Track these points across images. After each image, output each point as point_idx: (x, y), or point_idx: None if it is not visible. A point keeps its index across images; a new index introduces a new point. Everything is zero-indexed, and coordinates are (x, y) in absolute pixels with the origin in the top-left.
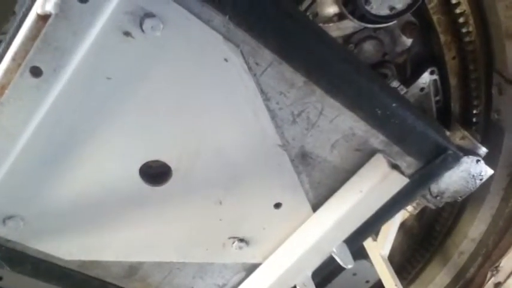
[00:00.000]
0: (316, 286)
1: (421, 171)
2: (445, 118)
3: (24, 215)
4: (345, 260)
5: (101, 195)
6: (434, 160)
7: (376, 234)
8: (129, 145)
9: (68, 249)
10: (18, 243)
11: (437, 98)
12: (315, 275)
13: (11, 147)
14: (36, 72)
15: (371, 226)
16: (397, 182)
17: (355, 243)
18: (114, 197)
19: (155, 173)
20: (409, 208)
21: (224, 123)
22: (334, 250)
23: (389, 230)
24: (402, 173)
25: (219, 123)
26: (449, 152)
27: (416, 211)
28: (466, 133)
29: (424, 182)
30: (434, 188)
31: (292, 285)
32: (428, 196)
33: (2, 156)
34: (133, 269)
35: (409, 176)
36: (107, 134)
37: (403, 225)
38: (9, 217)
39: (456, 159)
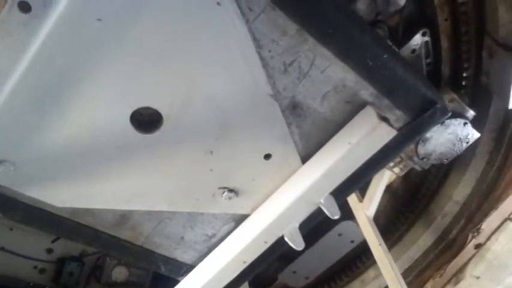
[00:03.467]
0: (303, 238)
1: (410, 124)
2: (435, 80)
3: (15, 160)
4: (331, 211)
5: (92, 141)
6: (422, 114)
7: (362, 195)
8: (119, 90)
9: (59, 196)
10: (9, 189)
11: (428, 60)
12: (302, 227)
13: (0, 88)
14: (24, 7)
15: (358, 179)
16: (386, 135)
17: (342, 195)
18: (106, 144)
19: (146, 121)
20: (396, 170)
21: (215, 71)
22: (322, 201)
23: (375, 191)
24: (391, 125)
25: (211, 70)
26: (438, 106)
27: (403, 173)
28: (455, 96)
29: (412, 135)
30: (421, 149)
31: (280, 235)
32: (415, 158)
33: None
34: (124, 218)
35: (398, 129)
36: (98, 78)
37: (389, 187)
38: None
39: (444, 114)
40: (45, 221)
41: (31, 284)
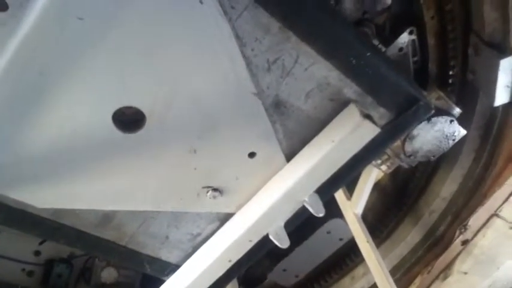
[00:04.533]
0: (289, 236)
1: (393, 122)
2: (422, 79)
3: None
4: (316, 209)
5: (74, 142)
6: (406, 111)
7: (350, 193)
8: (101, 89)
9: (41, 197)
10: None
11: (415, 58)
12: (288, 225)
13: None
14: (1, 5)
15: (343, 177)
16: (369, 132)
17: (327, 193)
18: (88, 144)
19: (129, 120)
20: (383, 167)
21: (198, 69)
22: (306, 200)
23: (363, 189)
24: (374, 123)
25: (194, 68)
26: (421, 103)
27: (390, 170)
28: (441, 94)
29: (395, 132)
30: (408, 147)
31: (265, 234)
32: (402, 155)
33: None
34: (107, 218)
35: (381, 127)
36: (79, 77)
37: (377, 185)
38: None
39: (428, 111)
40: (28, 222)
41: (19, 287)
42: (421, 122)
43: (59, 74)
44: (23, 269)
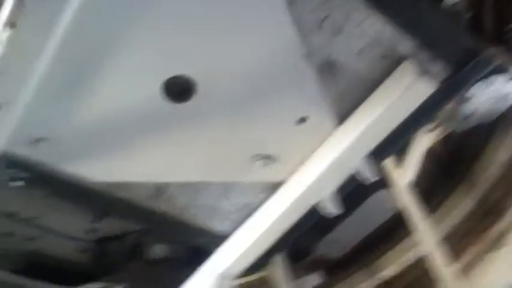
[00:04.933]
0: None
1: (450, 78)
2: (476, 34)
3: (53, 136)
4: (368, 174)
5: (125, 114)
6: (464, 66)
7: (400, 160)
8: (151, 59)
9: (95, 170)
10: (47, 165)
11: (470, 12)
12: (339, 192)
13: (35, 65)
14: None
15: (395, 141)
16: (425, 90)
17: (380, 158)
18: (138, 116)
19: (179, 90)
20: (435, 132)
21: (247, 33)
22: (358, 165)
23: (414, 157)
24: (431, 79)
25: (242, 33)
26: (480, 57)
27: (443, 135)
28: (497, 50)
29: (454, 89)
30: (462, 109)
31: (317, 201)
32: (456, 119)
33: (29, 75)
34: (159, 190)
35: (439, 83)
36: (129, 47)
37: (429, 151)
38: (39, 139)
39: (487, 65)
40: (82, 195)
41: (72, 263)
42: (477, 82)
43: (109, 45)
44: (77, 246)
